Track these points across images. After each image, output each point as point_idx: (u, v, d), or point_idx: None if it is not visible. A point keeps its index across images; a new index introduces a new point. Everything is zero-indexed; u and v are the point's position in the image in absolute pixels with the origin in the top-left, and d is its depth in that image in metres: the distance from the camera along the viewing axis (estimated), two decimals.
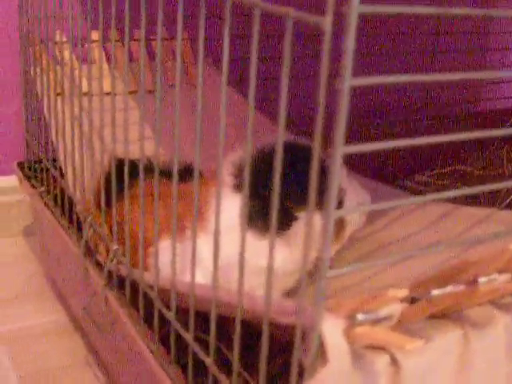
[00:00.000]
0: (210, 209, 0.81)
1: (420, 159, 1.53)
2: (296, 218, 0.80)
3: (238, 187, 0.81)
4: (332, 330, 0.51)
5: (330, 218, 0.47)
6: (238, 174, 0.82)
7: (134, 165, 0.83)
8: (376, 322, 0.53)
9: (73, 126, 0.94)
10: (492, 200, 1.35)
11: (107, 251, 0.88)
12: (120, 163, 0.82)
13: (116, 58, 1.22)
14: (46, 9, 1.04)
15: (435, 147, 1.51)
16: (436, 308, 0.54)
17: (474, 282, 0.57)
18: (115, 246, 0.83)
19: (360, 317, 0.52)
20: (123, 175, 0.78)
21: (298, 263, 0.82)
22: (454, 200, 1.15)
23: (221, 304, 0.62)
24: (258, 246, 0.76)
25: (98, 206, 0.88)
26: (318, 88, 0.45)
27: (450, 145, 1.55)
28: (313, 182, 0.47)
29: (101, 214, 0.87)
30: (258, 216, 0.79)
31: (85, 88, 1.14)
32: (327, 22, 0.43)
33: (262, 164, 0.79)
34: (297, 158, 0.80)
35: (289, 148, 0.78)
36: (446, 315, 0.59)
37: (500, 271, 0.56)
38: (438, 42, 1.67)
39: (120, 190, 0.80)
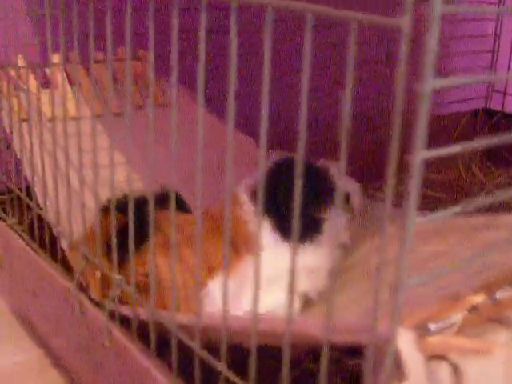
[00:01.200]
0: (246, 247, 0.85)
1: (372, 168, 1.54)
2: (324, 221, 0.87)
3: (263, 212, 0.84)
4: (407, 343, 0.49)
5: (410, 225, 0.45)
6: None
7: (124, 202, 0.81)
8: (442, 330, 0.52)
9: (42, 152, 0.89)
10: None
11: (105, 282, 0.83)
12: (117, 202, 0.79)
13: (80, 81, 1.17)
14: (5, 33, 0.99)
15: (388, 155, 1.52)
16: (503, 310, 0.53)
17: None
18: (118, 276, 0.79)
19: (433, 327, 0.50)
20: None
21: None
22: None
23: (265, 334, 0.59)
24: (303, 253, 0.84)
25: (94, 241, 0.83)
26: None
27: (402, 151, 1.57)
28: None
29: (95, 244, 0.83)
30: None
31: (49, 113, 1.09)
32: (406, 23, 0.41)
33: (277, 184, 0.81)
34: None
35: (291, 164, 0.83)
36: (497, 319, 0.58)
37: None
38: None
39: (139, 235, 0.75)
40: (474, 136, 1.72)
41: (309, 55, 0.49)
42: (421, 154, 0.43)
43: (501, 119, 1.71)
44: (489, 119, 1.73)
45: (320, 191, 0.85)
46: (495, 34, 1.74)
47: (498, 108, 1.77)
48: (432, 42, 0.41)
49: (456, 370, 0.54)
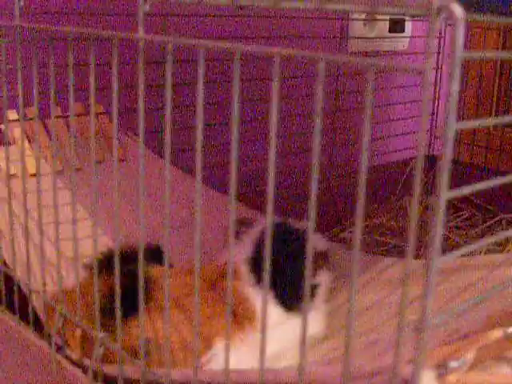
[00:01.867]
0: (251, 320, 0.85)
1: (330, 216, 1.57)
2: (316, 286, 0.90)
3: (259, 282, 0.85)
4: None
5: (434, 264, 0.46)
6: (255, 268, 0.85)
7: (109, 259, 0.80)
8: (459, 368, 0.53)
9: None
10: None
11: (86, 342, 0.81)
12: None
13: (39, 137, 1.15)
14: None
15: (346, 203, 1.56)
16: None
17: None
18: (101, 334, 0.76)
19: (453, 364, 0.51)
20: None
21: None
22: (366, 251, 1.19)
23: None
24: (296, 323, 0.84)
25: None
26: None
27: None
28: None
29: (74, 302, 0.80)
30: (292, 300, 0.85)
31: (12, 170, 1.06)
32: (427, 68, 0.43)
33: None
34: (288, 235, 0.84)
35: (283, 229, 0.84)
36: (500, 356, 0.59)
37: None
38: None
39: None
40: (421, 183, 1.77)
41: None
42: (445, 195, 0.45)
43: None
44: (432, 165, 1.78)
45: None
46: (435, 83, 1.82)
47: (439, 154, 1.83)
48: (455, 87, 0.42)
49: None
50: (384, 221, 1.56)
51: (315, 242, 0.91)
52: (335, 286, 1.03)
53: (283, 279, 0.84)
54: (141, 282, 0.67)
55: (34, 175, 1.09)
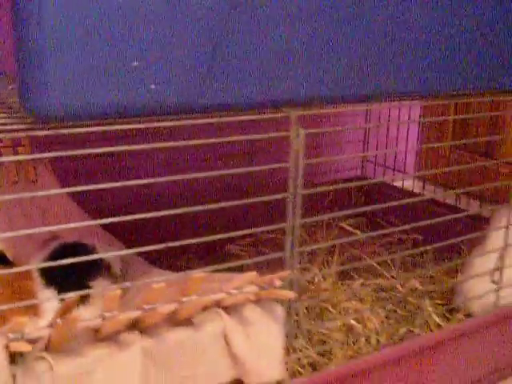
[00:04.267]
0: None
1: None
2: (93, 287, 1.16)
3: (48, 282, 1.13)
4: None
5: None
6: (45, 271, 1.13)
7: None
8: (32, 341, 0.78)
9: None
10: None
11: None
12: None
13: None
14: None
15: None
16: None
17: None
18: None
19: (11, 336, 0.76)
20: None
21: None
22: None
23: None
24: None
25: None
26: None
27: None
28: None
29: None
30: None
31: None
32: None
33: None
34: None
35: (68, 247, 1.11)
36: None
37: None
38: None
39: None
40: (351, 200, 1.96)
41: None
42: None
43: (371, 186, 1.95)
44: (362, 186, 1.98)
45: (89, 265, 1.10)
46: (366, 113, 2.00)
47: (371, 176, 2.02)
48: None
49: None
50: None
51: (107, 256, 1.16)
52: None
53: (66, 281, 1.08)
54: None
55: None
